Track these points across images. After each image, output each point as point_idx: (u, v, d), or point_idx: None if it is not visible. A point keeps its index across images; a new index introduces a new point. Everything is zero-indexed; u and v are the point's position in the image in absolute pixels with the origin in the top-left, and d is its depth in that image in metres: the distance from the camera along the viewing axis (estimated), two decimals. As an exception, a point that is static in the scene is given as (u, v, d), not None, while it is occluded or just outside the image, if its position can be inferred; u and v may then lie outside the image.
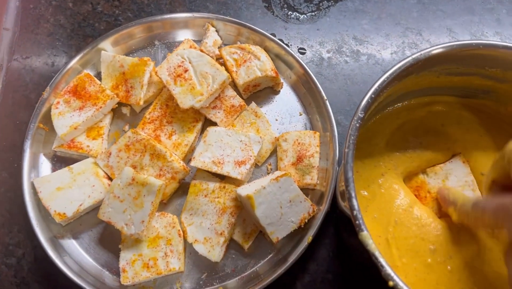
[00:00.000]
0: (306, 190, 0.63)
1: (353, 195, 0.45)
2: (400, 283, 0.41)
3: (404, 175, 0.59)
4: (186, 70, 0.64)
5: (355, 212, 0.44)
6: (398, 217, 0.54)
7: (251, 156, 0.61)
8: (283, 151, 0.64)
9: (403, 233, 0.52)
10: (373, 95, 0.50)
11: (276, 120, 0.68)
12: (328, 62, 0.72)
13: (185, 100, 0.63)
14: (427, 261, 0.51)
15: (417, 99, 0.62)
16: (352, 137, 0.48)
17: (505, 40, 0.73)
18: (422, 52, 0.51)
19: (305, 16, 0.75)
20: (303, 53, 0.73)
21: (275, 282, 0.57)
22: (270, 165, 0.65)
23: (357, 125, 0.48)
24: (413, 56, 0.51)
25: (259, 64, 0.66)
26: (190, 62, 0.64)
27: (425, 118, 0.61)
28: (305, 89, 0.68)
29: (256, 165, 0.65)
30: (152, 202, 0.58)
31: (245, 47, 0.67)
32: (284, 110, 0.69)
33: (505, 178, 0.43)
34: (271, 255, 0.60)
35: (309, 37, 0.74)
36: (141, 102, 0.65)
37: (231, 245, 0.61)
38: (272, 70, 0.66)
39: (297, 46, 0.73)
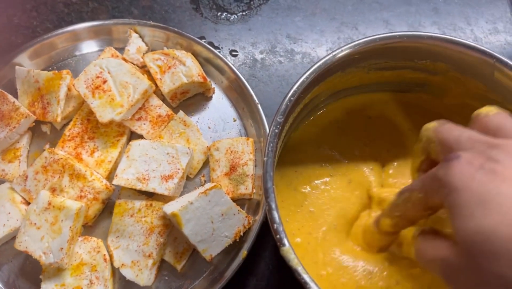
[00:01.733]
0: (242, 201, 0.60)
1: (273, 206, 0.42)
2: (326, 302, 0.38)
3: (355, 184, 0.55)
4: (104, 81, 0.59)
5: (275, 225, 0.41)
6: (336, 218, 0.51)
7: (179, 169, 0.57)
8: (215, 161, 0.60)
9: (334, 239, 0.49)
10: (292, 98, 0.46)
11: (209, 128, 0.64)
12: (262, 63, 0.68)
13: (104, 114, 0.58)
14: (360, 283, 0.46)
15: (352, 98, 0.59)
16: (271, 145, 0.44)
17: (443, 30, 0.71)
18: (342, 48, 0.48)
19: (236, 16, 0.71)
20: (235, 56, 0.69)
21: (212, 302, 0.54)
22: (203, 176, 0.61)
23: (276, 131, 0.45)
24: (333, 53, 0.48)
25: (185, 70, 0.62)
26: (109, 72, 0.60)
27: (361, 120, 0.58)
28: (237, 94, 0.65)
29: (188, 178, 0.61)
30: (70, 227, 0.53)
31: (169, 53, 0.63)
32: (217, 117, 0.65)
33: (428, 162, 0.42)
34: (206, 273, 0.56)
35: (241, 38, 0.70)
36: (59, 119, 0.60)
37: (164, 266, 0.57)
38: (199, 75, 0.62)
39: (229, 48, 0.69)
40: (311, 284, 0.39)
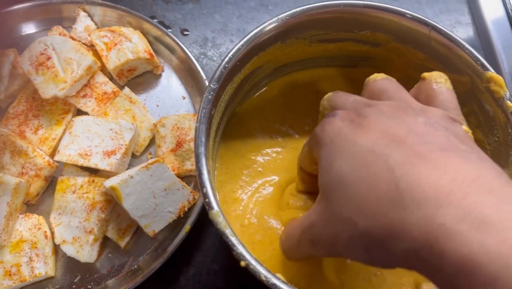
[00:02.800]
0: (189, 178, 0.59)
1: (203, 172, 0.41)
2: (253, 262, 0.38)
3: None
4: (49, 58, 0.58)
5: (204, 189, 0.40)
6: (284, 180, 0.50)
7: (122, 145, 0.56)
8: (161, 137, 0.59)
9: (273, 192, 0.49)
10: (226, 65, 0.46)
11: (157, 106, 0.63)
12: (213, 42, 0.68)
13: (47, 90, 0.57)
14: (275, 246, 0.46)
15: (298, 73, 0.59)
16: (204, 111, 0.44)
17: None
18: (279, 16, 0.49)
19: (188, -4, 0.71)
20: (186, 35, 0.69)
21: (157, 278, 0.53)
22: (150, 154, 0.61)
23: (210, 97, 0.45)
24: (268, 21, 0.48)
25: (131, 46, 0.61)
26: (53, 49, 0.59)
27: (309, 95, 0.58)
28: (187, 72, 0.64)
29: (134, 155, 0.60)
30: (8, 203, 0.52)
31: (116, 30, 0.62)
32: (166, 95, 0.64)
33: None
34: (151, 250, 0.56)
35: (193, 17, 0.70)
36: (2, 96, 0.59)
37: (108, 243, 0.56)
38: (145, 51, 0.61)
39: (180, 28, 0.69)
40: (239, 246, 0.38)
